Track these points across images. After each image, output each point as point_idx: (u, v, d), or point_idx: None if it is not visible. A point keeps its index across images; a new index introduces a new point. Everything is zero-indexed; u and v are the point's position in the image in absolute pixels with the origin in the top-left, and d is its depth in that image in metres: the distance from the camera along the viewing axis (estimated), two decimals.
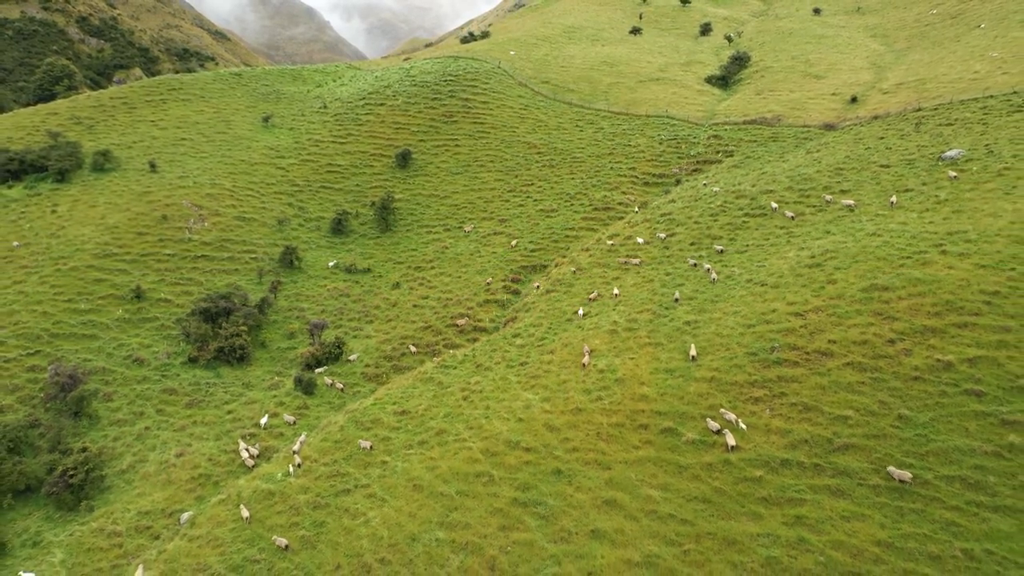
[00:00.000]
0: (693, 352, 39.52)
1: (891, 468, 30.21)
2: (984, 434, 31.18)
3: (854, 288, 40.46)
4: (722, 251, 51.86)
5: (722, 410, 35.29)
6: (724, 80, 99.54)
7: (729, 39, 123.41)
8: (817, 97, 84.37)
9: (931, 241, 42.99)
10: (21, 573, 39.20)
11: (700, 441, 34.48)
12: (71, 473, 43.50)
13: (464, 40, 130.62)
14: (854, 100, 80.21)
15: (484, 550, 32.34)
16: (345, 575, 33.87)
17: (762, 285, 44.48)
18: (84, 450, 45.64)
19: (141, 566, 35.42)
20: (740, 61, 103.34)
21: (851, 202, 51.80)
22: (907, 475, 29.73)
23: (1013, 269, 38.34)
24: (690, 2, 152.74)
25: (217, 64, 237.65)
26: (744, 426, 34.17)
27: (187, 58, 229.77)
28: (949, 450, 30.97)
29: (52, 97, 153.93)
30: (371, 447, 41.60)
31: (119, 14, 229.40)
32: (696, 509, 31.41)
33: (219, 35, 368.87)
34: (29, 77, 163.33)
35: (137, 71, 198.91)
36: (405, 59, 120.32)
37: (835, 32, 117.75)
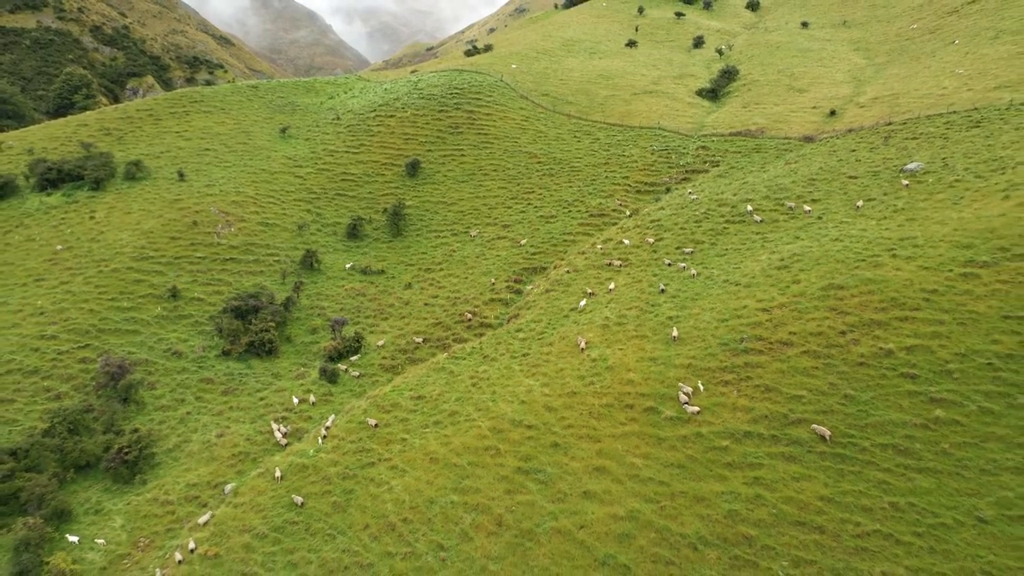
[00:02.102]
0: (675, 333, 45.69)
1: (815, 426, 36.48)
2: (915, 409, 36.94)
3: (814, 287, 46.23)
4: (691, 252, 58.11)
5: (680, 383, 41.63)
6: (714, 93, 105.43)
7: (720, 52, 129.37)
8: (799, 110, 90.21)
9: (884, 246, 48.74)
10: (68, 537, 44.88)
11: (677, 418, 40.25)
12: (126, 451, 49.30)
13: (468, 53, 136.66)
14: (832, 113, 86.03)
15: (492, 509, 38.06)
16: (373, 533, 39.61)
17: (736, 284, 50.29)
18: (135, 431, 51.47)
19: (210, 512, 41.27)
20: (729, 75, 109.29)
21: (809, 208, 57.87)
22: (827, 431, 35.91)
23: (950, 271, 44.10)
24: (684, 15, 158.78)
25: (226, 71, 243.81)
26: (702, 387, 40.74)
27: (197, 66, 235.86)
28: (885, 423, 36.73)
29: (71, 105, 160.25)
30: (376, 424, 47.36)
31: (131, 23, 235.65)
32: (672, 473, 37.17)
33: (223, 40, 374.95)
34: (48, 86, 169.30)
35: (149, 79, 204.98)
36: (412, 71, 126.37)
37: (820, 46, 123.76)
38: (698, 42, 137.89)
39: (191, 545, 40.39)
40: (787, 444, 37.04)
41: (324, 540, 40.12)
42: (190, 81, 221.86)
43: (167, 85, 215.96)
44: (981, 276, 43.09)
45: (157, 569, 40.53)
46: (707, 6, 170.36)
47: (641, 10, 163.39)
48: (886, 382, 38.67)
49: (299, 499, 42.08)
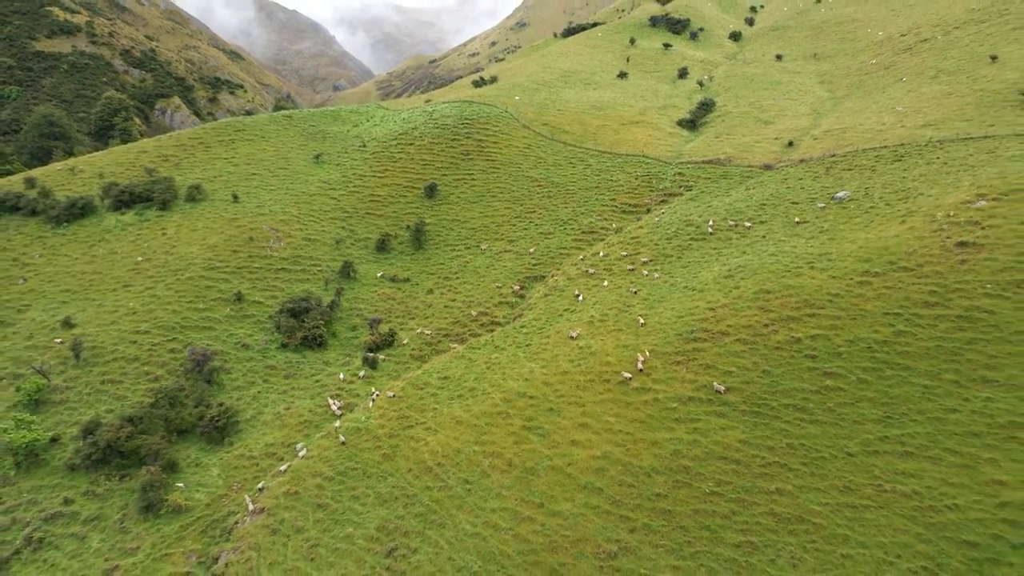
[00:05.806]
0: (642, 321, 59.91)
1: (714, 383, 50.54)
2: (812, 380, 50.72)
3: (750, 291, 60.22)
4: (648, 261, 72.51)
5: (639, 355, 55.74)
6: (692, 123, 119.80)
7: (701, 84, 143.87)
8: (763, 141, 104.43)
9: (806, 260, 62.77)
10: (178, 485, 58.33)
11: (641, 388, 54.21)
12: (217, 419, 63.14)
13: (476, 84, 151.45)
14: (790, 144, 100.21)
15: (504, 455, 51.82)
16: (415, 474, 53.38)
17: (692, 290, 64.34)
18: (221, 404, 65.34)
19: (304, 448, 55.37)
20: (707, 107, 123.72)
21: (749, 224, 72.16)
22: (722, 387, 50.04)
23: (851, 279, 58.04)
24: (672, 46, 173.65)
25: (246, 91, 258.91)
26: (649, 353, 55.21)
27: (218, 86, 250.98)
28: (790, 390, 50.54)
29: (111, 127, 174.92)
30: (394, 395, 61.20)
31: (156, 46, 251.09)
32: (635, 426, 50.99)
33: (233, 54, 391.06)
34: (88, 108, 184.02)
35: (176, 99, 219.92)
36: (427, 101, 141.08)
37: (790, 78, 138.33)
38: (682, 73, 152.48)
39: (282, 467, 54.27)
40: (719, 405, 50.89)
41: (378, 480, 53.85)
42: (212, 101, 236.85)
43: (191, 104, 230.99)
44: (873, 283, 57.04)
45: (246, 495, 54.30)
46: (693, 36, 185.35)
47: (633, 40, 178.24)
48: (794, 361, 52.52)
49: (343, 438, 55.94)
